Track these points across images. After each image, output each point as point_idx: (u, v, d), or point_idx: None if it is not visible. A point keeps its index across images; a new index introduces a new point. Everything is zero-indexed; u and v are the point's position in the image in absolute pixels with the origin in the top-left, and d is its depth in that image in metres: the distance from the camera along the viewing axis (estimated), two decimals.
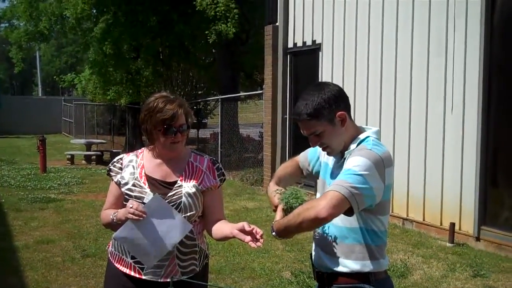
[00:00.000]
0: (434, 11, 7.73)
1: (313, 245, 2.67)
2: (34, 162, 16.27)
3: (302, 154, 2.87)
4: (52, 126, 32.69)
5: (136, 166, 2.84)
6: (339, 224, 2.46)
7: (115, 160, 2.93)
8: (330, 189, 2.30)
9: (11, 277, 5.88)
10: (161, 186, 2.77)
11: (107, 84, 19.69)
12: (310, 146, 2.65)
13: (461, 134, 7.34)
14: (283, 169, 2.94)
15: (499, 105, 7.03)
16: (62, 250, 7.01)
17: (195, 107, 21.66)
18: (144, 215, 2.62)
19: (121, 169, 2.85)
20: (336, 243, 2.48)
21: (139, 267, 2.77)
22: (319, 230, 2.57)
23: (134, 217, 2.62)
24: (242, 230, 2.63)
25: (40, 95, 50.18)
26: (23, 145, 24.05)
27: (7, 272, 5.94)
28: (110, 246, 2.94)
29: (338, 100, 2.45)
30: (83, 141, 20.63)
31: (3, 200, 10.35)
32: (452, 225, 7.24)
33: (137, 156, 2.89)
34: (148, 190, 2.76)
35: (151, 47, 18.50)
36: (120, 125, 25.57)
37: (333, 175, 2.52)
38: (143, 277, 2.77)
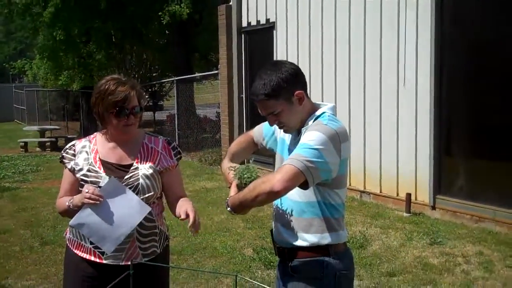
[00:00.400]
0: None
1: (273, 221, 2.68)
2: None
3: (256, 128, 2.88)
4: (3, 113, 31.86)
5: (89, 152, 2.80)
6: (297, 199, 2.48)
7: (67, 147, 2.89)
8: (285, 163, 2.31)
9: None
10: (117, 170, 2.75)
11: (59, 69, 19.26)
12: None
13: (414, 107, 7.47)
14: (236, 145, 2.93)
15: (451, 77, 7.17)
16: (19, 239, 6.88)
17: (150, 90, 21.44)
18: (100, 199, 2.60)
19: (74, 155, 2.82)
20: (295, 218, 2.50)
21: (99, 251, 2.74)
22: (278, 206, 2.58)
23: (91, 201, 2.60)
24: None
25: None
26: None
27: None
28: (68, 233, 2.90)
29: (296, 79, 2.46)
30: (36, 128, 20.16)
31: None
32: (408, 195, 7.39)
33: (90, 142, 2.85)
34: (103, 174, 2.73)
35: (102, 30, 18.12)
36: (74, 110, 25.11)
37: (290, 150, 2.52)
38: (104, 262, 2.74)
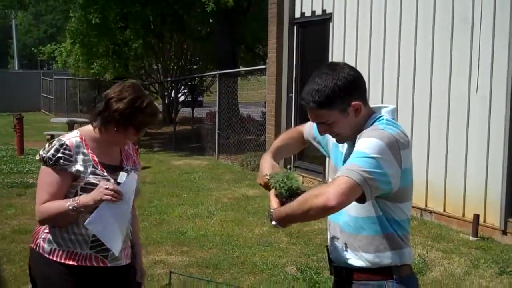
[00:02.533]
0: None
1: (328, 237, 2.67)
2: (10, 143, 16.29)
3: (308, 124, 2.85)
4: (29, 103, 32.60)
5: (86, 153, 2.87)
6: (355, 214, 2.46)
7: (57, 146, 2.84)
8: (339, 174, 2.28)
9: None
10: (114, 172, 2.89)
11: (91, 56, 19.60)
12: None
13: (487, 116, 7.33)
14: (282, 139, 2.93)
15: None
16: None
17: (189, 84, 21.65)
18: (120, 197, 2.73)
19: (71, 156, 2.83)
20: (353, 235, 2.48)
21: (101, 256, 2.86)
22: (333, 220, 2.58)
23: (113, 199, 2.70)
24: None
25: (16, 68, 50.05)
26: None
27: None
28: (45, 244, 2.88)
29: (354, 88, 2.43)
30: (64, 119, 20.61)
31: None
32: (476, 217, 7.26)
33: (81, 139, 2.90)
34: (109, 177, 2.86)
35: (140, 15, 18.38)
36: None
37: (345, 160, 2.51)
38: (108, 265, 2.89)
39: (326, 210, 2.27)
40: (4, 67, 62.89)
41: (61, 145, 2.83)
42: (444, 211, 8.00)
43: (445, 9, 7.89)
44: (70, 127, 18.83)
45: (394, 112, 2.53)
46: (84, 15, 17.80)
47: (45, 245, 2.88)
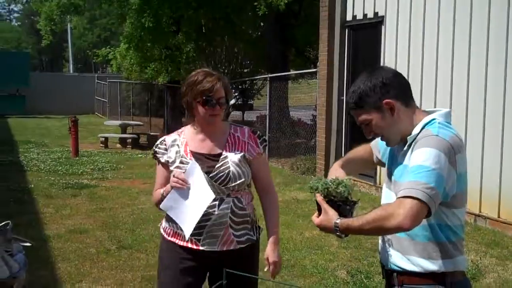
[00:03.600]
0: None
1: (380, 240, 2.68)
2: (65, 145, 16.72)
3: (375, 140, 2.87)
4: (84, 105, 33.34)
5: (180, 145, 3.22)
6: None
7: (158, 142, 3.31)
8: (405, 194, 2.27)
9: (42, 268, 6.05)
10: (207, 160, 3.15)
11: (145, 60, 19.90)
12: None
13: None
14: (353, 152, 3.00)
15: None
16: (96, 240, 7.21)
17: (240, 87, 21.76)
18: (186, 184, 3.07)
19: (166, 149, 3.24)
20: (406, 240, 2.48)
21: (195, 238, 3.14)
22: None
23: (178, 185, 3.07)
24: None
25: (71, 71, 51.13)
26: (53, 126, 24.70)
27: (38, 263, 6.11)
28: (164, 222, 3.32)
29: (387, 87, 2.48)
30: (118, 122, 20.97)
31: (32, 186, 10.69)
32: None
33: (179, 135, 3.29)
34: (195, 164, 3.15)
35: (193, 19, 18.59)
36: (158, 105, 25.86)
37: (398, 164, 2.54)
38: (200, 248, 3.14)
39: (399, 231, 2.36)
40: (59, 70, 64.45)
41: (161, 141, 3.30)
42: (499, 217, 7.85)
43: (500, 6, 7.74)
44: (123, 129, 19.23)
45: (449, 115, 2.53)
46: (138, 20, 18.10)
47: (163, 223, 3.33)
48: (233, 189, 3.12)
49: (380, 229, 2.36)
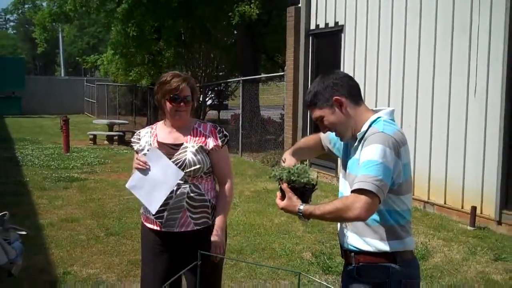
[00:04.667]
0: None
1: (338, 224, 2.72)
2: (58, 142, 16.51)
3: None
4: (74, 106, 33.04)
5: (150, 135, 3.37)
6: None
7: (135, 135, 3.50)
8: (359, 187, 2.33)
9: (37, 254, 6.00)
10: (170, 149, 3.26)
11: (129, 65, 19.75)
12: None
13: (484, 117, 7.29)
14: (304, 141, 3.03)
15: None
16: (86, 228, 7.15)
17: (216, 89, 21.72)
18: (146, 166, 3.19)
19: (139, 139, 3.40)
20: (359, 224, 2.52)
21: (159, 221, 3.23)
22: None
23: (139, 166, 3.20)
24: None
25: (62, 75, 50.50)
26: (46, 125, 24.35)
27: (33, 249, 6.06)
28: (142, 209, 3.38)
29: (337, 86, 2.55)
30: (105, 121, 20.80)
31: (27, 179, 10.55)
32: (474, 208, 7.21)
33: (151, 128, 3.44)
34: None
35: (172, 28, 18.49)
36: (142, 105, 25.71)
37: (350, 157, 2.59)
38: (162, 230, 3.24)
39: (357, 221, 2.44)
40: (52, 74, 63.59)
41: (137, 133, 3.47)
42: (445, 203, 7.96)
43: (446, 18, 7.85)
44: (110, 128, 19.08)
45: (392, 113, 2.59)
46: (123, 29, 17.97)
47: (142, 209, 3.38)
48: (189, 174, 3.18)
49: (340, 219, 2.46)
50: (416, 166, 8.27)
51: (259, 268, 5.58)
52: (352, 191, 2.37)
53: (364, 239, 2.52)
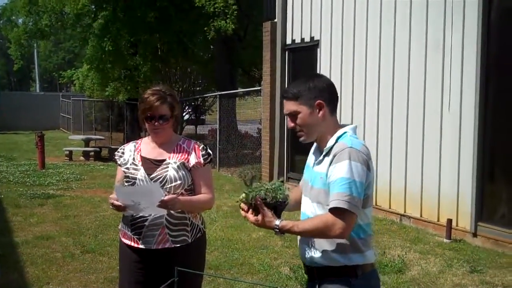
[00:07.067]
0: (432, 6, 7.77)
1: (298, 242, 2.72)
2: (33, 158, 16.28)
3: (301, 180, 2.90)
4: (50, 122, 32.66)
5: (134, 150, 3.36)
6: None
7: (119, 149, 3.48)
8: (336, 205, 2.38)
9: (11, 272, 5.90)
10: (152, 164, 3.25)
11: (105, 80, 19.65)
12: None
13: (458, 131, 7.38)
14: (293, 197, 2.87)
15: (497, 102, 7.06)
16: (61, 246, 7.04)
17: (193, 104, 21.68)
18: (120, 206, 3.05)
19: (123, 153, 3.39)
20: (323, 240, 2.53)
21: (136, 237, 3.22)
22: None
23: (112, 207, 3.11)
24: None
25: (38, 91, 50.05)
26: (21, 141, 24.04)
27: (8, 267, 5.96)
28: (120, 225, 3.38)
29: (323, 91, 2.58)
30: (81, 137, 20.56)
31: (2, 196, 10.37)
32: (449, 221, 7.28)
33: (136, 143, 3.43)
34: (141, 167, 3.25)
35: (149, 43, 18.48)
36: (118, 121, 25.57)
37: (312, 171, 2.62)
38: (140, 246, 3.21)
39: (338, 239, 2.48)
40: (27, 90, 62.94)
41: (120, 148, 3.46)
42: (421, 216, 8.02)
43: (420, 33, 7.96)
44: (86, 143, 18.87)
45: (355, 129, 2.63)
46: (99, 43, 17.89)
47: (120, 225, 3.39)
48: (169, 190, 3.14)
49: (318, 237, 2.49)
50: (392, 179, 8.33)
51: (238, 284, 5.55)
52: (330, 210, 2.40)
53: (325, 253, 2.53)
